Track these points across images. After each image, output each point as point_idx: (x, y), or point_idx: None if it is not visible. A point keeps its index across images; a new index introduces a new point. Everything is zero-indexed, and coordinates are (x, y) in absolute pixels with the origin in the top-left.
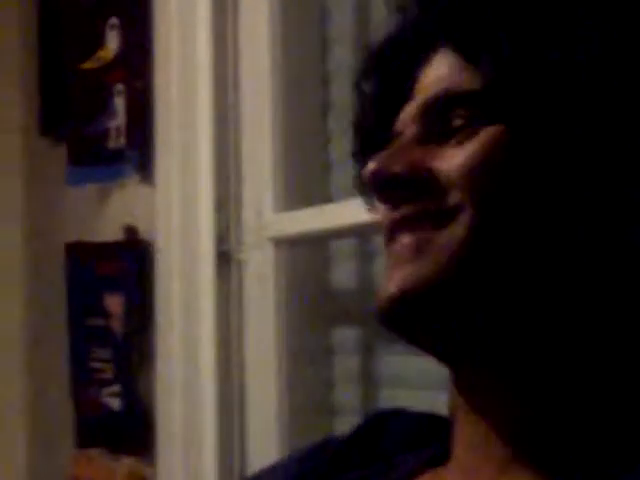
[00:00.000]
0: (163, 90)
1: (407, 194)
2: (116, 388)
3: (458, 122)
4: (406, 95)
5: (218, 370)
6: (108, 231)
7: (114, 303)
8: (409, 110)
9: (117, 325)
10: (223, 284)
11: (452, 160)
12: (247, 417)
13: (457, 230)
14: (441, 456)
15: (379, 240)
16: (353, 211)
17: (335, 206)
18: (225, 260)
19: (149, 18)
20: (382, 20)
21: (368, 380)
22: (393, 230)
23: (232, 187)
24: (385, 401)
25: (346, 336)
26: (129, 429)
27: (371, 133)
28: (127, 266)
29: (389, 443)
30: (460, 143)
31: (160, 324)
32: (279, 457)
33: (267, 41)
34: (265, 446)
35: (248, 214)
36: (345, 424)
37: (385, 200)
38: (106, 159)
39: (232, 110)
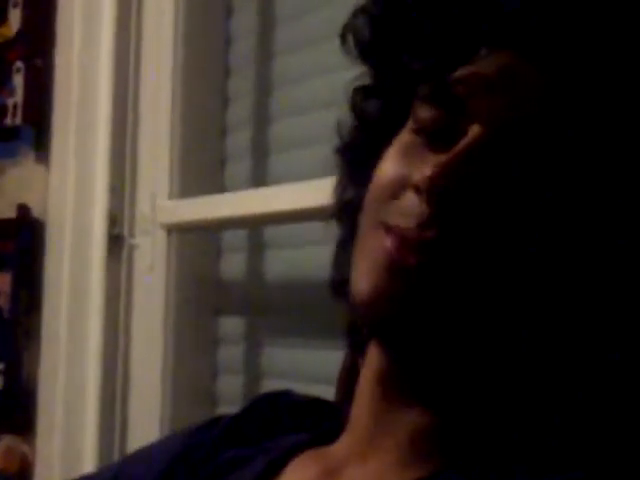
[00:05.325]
0: (63, 70)
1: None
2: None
3: None
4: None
5: (103, 354)
6: (0, 208)
7: (2, 280)
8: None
9: (4, 303)
10: (113, 268)
11: None
12: (130, 403)
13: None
14: (322, 438)
15: (269, 232)
16: (246, 202)
17: (229, 196)
18: (117, 244)
19: None
20: (284, 17)
21: (251, 371)
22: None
23: (127, 171)
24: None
25: (232, 327)
26: (10, 407)
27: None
28: (18, 245)
29: (275, 423)
30: None
31: (48, 305)
32: None
33: (170, 28)
34: (146, 432)
35: (142, 199)
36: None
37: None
38: (2, 136)
39: (131, 94)
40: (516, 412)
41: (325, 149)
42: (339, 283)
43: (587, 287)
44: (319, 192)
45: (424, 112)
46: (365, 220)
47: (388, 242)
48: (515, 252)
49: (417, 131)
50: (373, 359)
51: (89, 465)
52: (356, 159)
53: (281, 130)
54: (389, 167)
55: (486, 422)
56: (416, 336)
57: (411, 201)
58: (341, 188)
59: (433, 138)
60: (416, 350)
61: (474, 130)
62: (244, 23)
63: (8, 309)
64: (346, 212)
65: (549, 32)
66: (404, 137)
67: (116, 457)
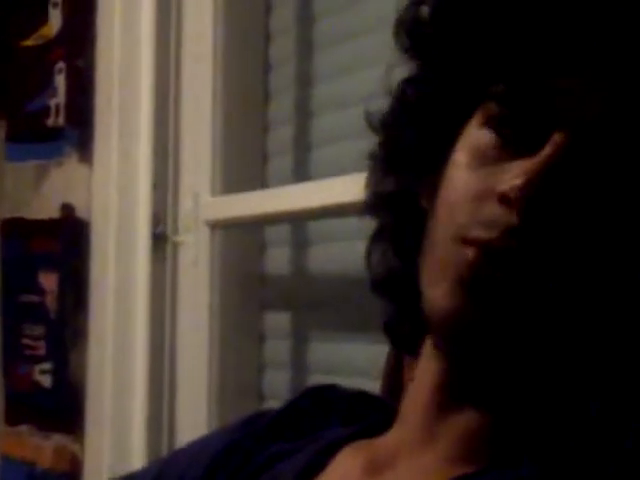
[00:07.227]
0: (104, 70)
1: None
2: (47, 365)
3: None
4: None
5: (150, 351)
6: (45, 209)
7: (49, 281)
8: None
9: (51, 303)
10: (158, 266)
11: None
12: (177, 399)
13: None
14: (367, 431)
15: (313, 227)
16: (289, 197)
17: (271, 192)
18: (161, 242)
19: None
20: (323, 13)
21: (297, 366)
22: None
23: (170, 169)
24: None
25: (277, 322)
26: (59, 406)
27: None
28: (63, 244)
29: (321, 417)
30: None
31: (94, 303)
32: None
33: (210, 25)
34: (194, 428)
35: (185, 197)
36: None
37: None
38: (45, 137)
39: (173, 92)
40: (563, 415)
41: (367, 143)
42: (380, 281)
43: None
44: (362, 186)
45: (499, 113)
46: (439, 233)
47: (470, 254)
48: (601, 262)
49: (488, 125)
50: (431, 364)
51: (138, 462)
52: (402, 151)
53: (323, 124)
54: (464, 176)
55: (534, 425)
56: (489, 350)
57: (495, 211)
58: (376, 181)
59: (509, 141)
60: (485, 362)
61: (559, 136)
62: (284, 18)
63: (55, 309)
64: (384, 205)
65: (633, 48)
66: (473, 138)
67: (164, 454)
